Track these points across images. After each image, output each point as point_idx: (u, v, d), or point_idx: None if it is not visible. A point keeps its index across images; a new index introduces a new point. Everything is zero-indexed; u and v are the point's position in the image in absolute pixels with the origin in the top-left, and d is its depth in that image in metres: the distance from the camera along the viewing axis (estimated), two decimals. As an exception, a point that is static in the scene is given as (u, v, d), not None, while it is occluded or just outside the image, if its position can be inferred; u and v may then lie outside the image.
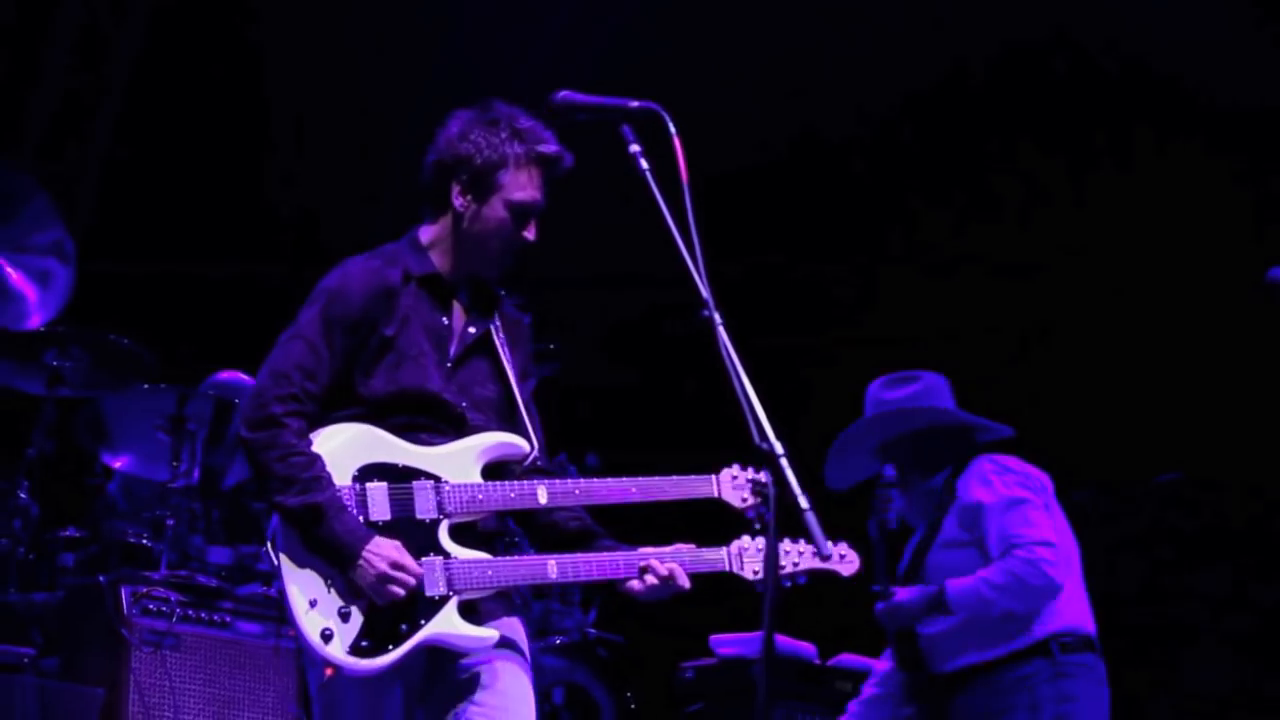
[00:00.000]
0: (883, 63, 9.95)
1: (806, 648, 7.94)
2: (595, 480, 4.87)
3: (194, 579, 6.99)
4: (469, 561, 4.70)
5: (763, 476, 4.59)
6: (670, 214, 4.32)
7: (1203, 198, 9.72)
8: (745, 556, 4.85)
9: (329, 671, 4.64)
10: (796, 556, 4.92)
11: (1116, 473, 9.20)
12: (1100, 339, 9.98)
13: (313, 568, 4.60)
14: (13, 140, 9.52)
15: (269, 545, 4.68)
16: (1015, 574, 6.15)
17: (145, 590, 6.80)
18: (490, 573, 4.71)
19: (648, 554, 4.79)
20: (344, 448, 4.68)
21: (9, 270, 7.34)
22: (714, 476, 4.88)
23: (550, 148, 4.85)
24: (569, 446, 7.87)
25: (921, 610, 6.28)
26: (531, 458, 4.86)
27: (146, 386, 7.34)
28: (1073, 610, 6.31)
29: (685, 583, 4.79)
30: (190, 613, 6.85)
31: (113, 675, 6.68)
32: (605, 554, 4.82)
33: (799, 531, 4.41)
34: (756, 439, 4.05)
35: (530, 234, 4.87)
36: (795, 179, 10.35)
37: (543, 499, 4.76)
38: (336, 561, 4.60)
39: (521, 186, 4.83)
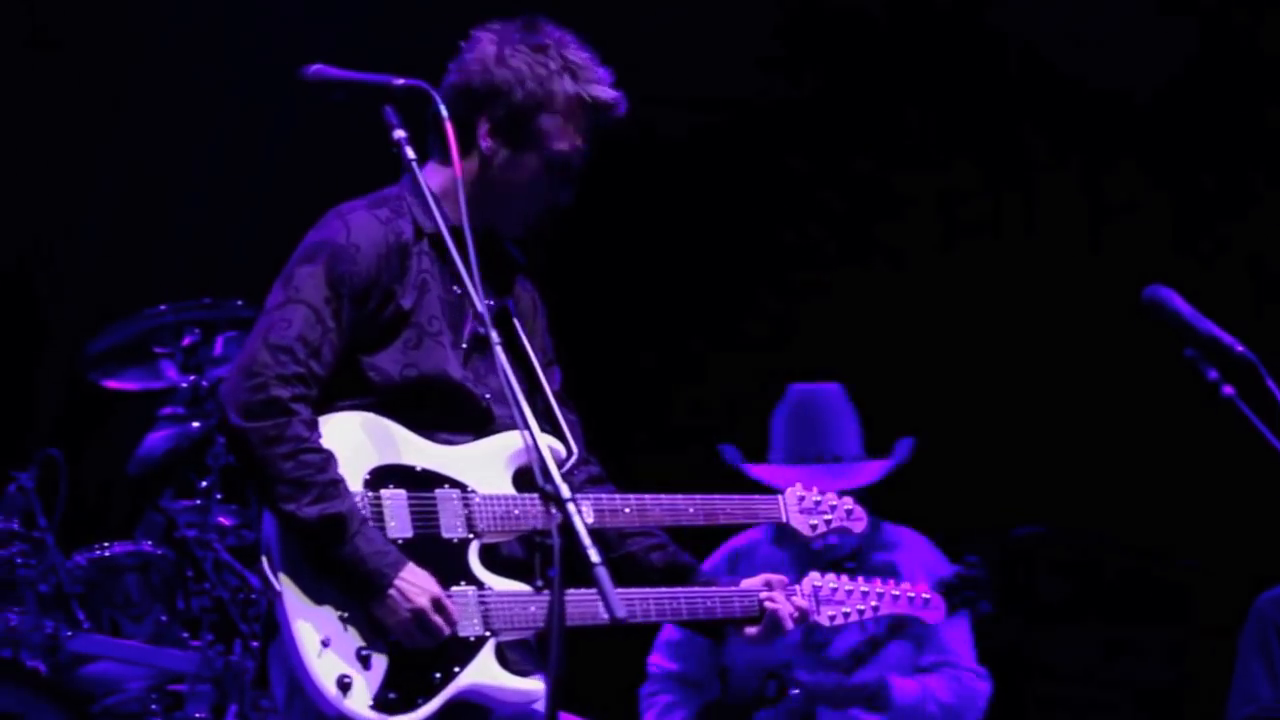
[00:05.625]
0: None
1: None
2: (649, 496, 4.30)
3: None
4: (507, 594, 4.10)
5: (833, 498, 4.44)
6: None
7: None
8: (820, 596, 4.41)
9: None
10: (875, 598, 4.51)
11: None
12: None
13: (325, 597, 3.96)
14: None
15: (263, 563, 3.98)
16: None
17: None
18: (534, 609, 4.10)
19: (757, 588, 4.32)
20: (351, 444, 4.04)
21: None
22: (780, 498, 4.44)
23: (608, 92, 4.20)
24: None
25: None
26: (570, 464, 4.24)
27: None
28: None
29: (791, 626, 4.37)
30: None
31: None
32: (700, 589, 4.30)
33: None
34: (540, 479, 3.64)
35: (568, 195, 4.25)
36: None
37: (589, 517, 4.10)
38: (355, 589, 3.96)
39: (567, 135, 4.20)
